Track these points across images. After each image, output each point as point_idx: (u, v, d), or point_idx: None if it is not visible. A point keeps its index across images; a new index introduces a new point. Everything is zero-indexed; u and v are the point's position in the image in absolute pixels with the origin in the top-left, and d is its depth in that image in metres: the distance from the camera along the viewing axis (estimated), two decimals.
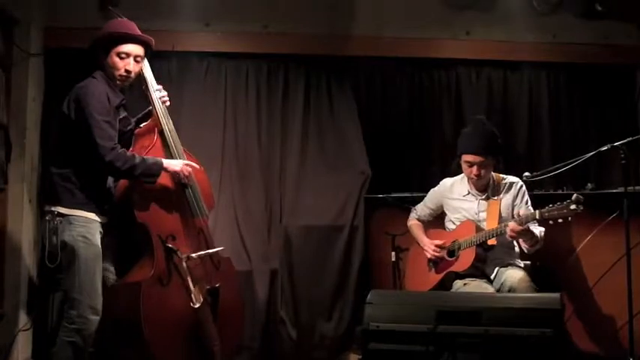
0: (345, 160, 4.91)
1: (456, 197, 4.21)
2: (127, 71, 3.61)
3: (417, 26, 4.98)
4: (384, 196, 4.75)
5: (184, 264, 3.58)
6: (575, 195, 3.65)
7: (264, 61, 4.94)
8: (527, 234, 3.88)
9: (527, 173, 4.24)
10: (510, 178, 4.16)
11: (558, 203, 3.69)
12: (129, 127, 3.77)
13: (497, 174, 4.18)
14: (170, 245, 3.59)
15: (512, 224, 3.82)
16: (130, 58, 3.60)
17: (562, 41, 5.04)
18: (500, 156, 4.16)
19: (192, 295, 3.55)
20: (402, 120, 5.01)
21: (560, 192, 4.51)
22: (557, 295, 3.18)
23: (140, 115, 3.90)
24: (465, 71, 5.08)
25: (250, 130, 4.87)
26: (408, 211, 4.51)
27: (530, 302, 3.28)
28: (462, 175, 4.20)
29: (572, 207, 3.63)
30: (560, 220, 3.70)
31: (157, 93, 3.81)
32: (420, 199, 4.49)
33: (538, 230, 3.96)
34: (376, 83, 5.04)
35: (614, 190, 4.35)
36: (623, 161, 3.80)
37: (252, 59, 4.92)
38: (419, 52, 5.00)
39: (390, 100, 5.03)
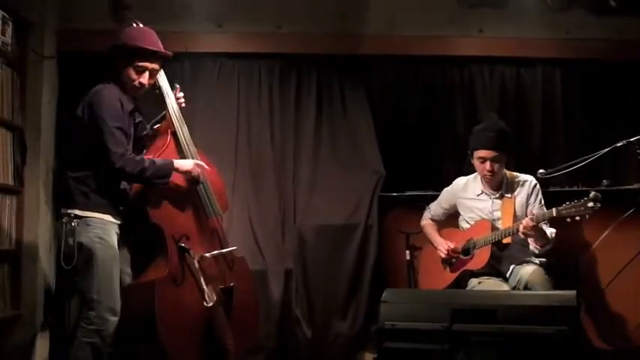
0: (358, 159, 4.90)
1: (470, 197, 4.20)
2: (140, 84, 3.62)
3: (429, 24, 4.97)
4: (398, 194, 4.75)
5: (197, 264, 3.61)
6: (592, 192, 3.62)
7: (276, 61, 4.94)
8: (539, 233, 3.86)
9: (542, 170, 4.24)
10: (523, 177, 4.14)
11: (575, 201, 3.67)
12: (144, 133, 3.81)
13: (511, 172, 4.16)
14: (182, 244, 3.61)
15: (525, 221, 3.80)
16: (147, 72, 3.62)
17: (575, 37, 5.00)
18: (512, 152, 4.14)
19: (206, 295, 3.57)
20: (415, 118, 4.99)
21: (575, 189, 4.49)
22: (572, 292, 3.16)
23: (156, 119, 3.92)
24: (478, 69, 5.06)
25: (263, 131, 4.87)
26: (422, 210, 4.51)
27: (546, 300, 3.26)
28: (475, 174, 4.19)
29: (590, 204, 3.60)
30: (577, 218, 3.67)
31: (171, 96, 3.84)
32: (434, 198, 4.49)
33: (549, 231, 3.94)
34: (389, 82, 5.03)
35: (630, 187, 4.33)
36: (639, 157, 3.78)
37: (265, 59, 4.93)
38: (431, 50, 4.98)
39: (402, 99, 5.01)
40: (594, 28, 5.01)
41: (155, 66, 3.65)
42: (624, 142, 3.85)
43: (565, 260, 4.29)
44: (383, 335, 3.24)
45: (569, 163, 4.10)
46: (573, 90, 5.07)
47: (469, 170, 4.26)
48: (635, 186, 4.37)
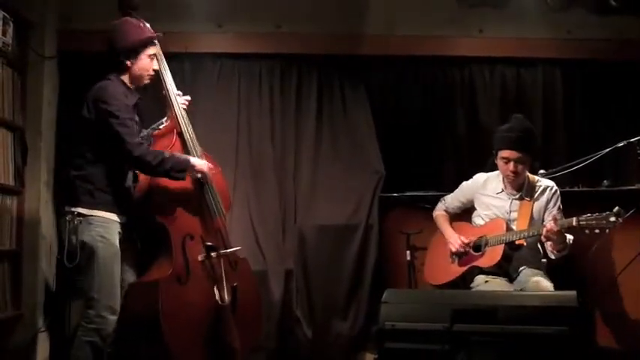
0: (358, 159, 4.90)
1: (489, 194, 4.15)
2: (154, 70, 3.72)
3: (429, 24, 4.97)
4: (399, 195, 4.74)
5: (206, 263, 3.64)
6: (616, 207, 3.56)
7: (276, 61, 4.94)
8: (560, 238, 3.80)
9: (542, 170, 4.23)
10: (545, 182, 4.10)
11: (597, 213, 3.61)
12: (141, 135, 3.79)
13: (533, 176, 4.13)
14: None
15: (550, 225, 3.75)
16: (155, 59, 3.73)
17: (576, 37, 5.00)
18: (537, 155, 4.11)
19: (225, 293, 3.61)
20: (416, 118, 4.99)
21: (576, 189, 4.48)
22: (573, 292, 3.16)
23: (153, 127, 3.93)
24: (478, 69, 5.06)
25: (264, 131, 4.88)
26: (423, 210, 4.50)
27: (547, 300, 3.26)
28: (498, 172, 4.16)
29: (612, 219, 3.55)
30: (596, 231, 3.63)
31: (177, 98, 3.87)
32: (435, 198, 4.47)
33: (568, 237, 3.92)
34: (389, 82, 5.03)
35: (632, 187, 4.32)
36: None
37: (265, 60, 4.93)
38: (432, 50, 4.98)
39: (403, 99, 5.01)
40: (595, 28, 5.00)
41: (159, 51, 3.78)
42: (625, 142, 3.85)
43: (567, 260, 4.28)
44: (383, 336, 3.23)
45: (569, 164, 4.09)
46: (574, 90, 5.07)
47: (491, 169, 4.23)
48: (636, 186, 4.36)
